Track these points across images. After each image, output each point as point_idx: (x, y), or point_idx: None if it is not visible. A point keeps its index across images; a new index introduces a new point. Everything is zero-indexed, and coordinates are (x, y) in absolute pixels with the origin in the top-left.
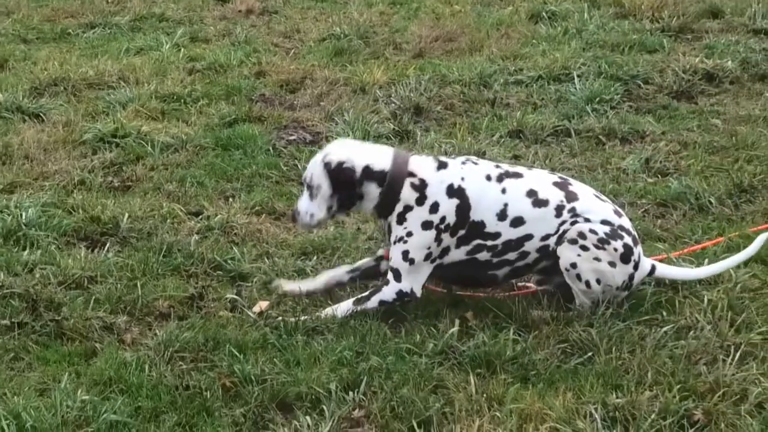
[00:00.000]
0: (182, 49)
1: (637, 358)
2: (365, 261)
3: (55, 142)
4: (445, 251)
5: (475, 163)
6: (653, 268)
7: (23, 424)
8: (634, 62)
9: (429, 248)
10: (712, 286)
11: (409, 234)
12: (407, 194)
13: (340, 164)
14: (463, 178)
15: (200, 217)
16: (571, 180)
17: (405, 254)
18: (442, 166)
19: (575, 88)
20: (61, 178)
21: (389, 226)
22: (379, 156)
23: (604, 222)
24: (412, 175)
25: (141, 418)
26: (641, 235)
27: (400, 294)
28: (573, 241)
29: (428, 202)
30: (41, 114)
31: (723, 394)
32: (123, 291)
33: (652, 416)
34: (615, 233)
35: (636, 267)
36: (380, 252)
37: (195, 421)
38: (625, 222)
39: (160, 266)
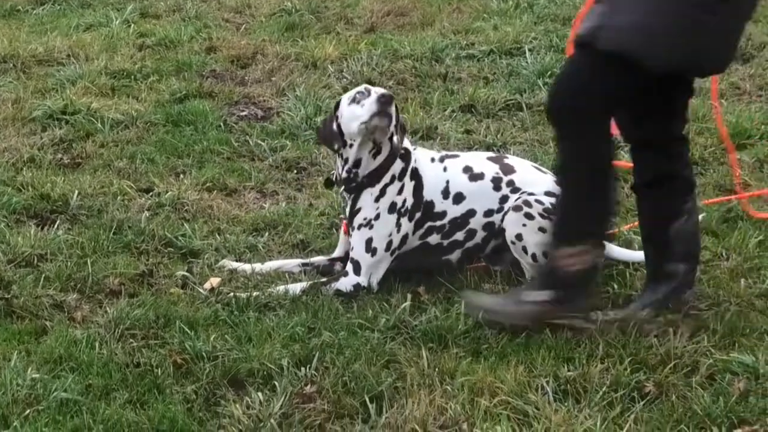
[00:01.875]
0: (132, 25)
1: (588, 331)
2: (320, 259)
3: (4, 119)
4: (404, 239)
5: (422, 148)
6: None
7: None
8: None
9: (390, 236)
10: None
11: (377, 217)
12: (396, 165)
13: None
14: (416, 160)
15: (151, 193)
16: (508, 155)
17: (368, 243)
18: (407, 151)
19: (527, 62)
20: (10, 156)
21: (355, 204)
22: None
23: (548, 194)
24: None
25: (92, 396)
26: None
27: (357, 287)
28: (517, 208)
29: (401, 181)
30: None
31: (674, 366)
32: (73, 269)
33: (604, 388)
34: None
35: None
36: (335, 253)
37: (146, 398)
38: None
39: (111, 243)
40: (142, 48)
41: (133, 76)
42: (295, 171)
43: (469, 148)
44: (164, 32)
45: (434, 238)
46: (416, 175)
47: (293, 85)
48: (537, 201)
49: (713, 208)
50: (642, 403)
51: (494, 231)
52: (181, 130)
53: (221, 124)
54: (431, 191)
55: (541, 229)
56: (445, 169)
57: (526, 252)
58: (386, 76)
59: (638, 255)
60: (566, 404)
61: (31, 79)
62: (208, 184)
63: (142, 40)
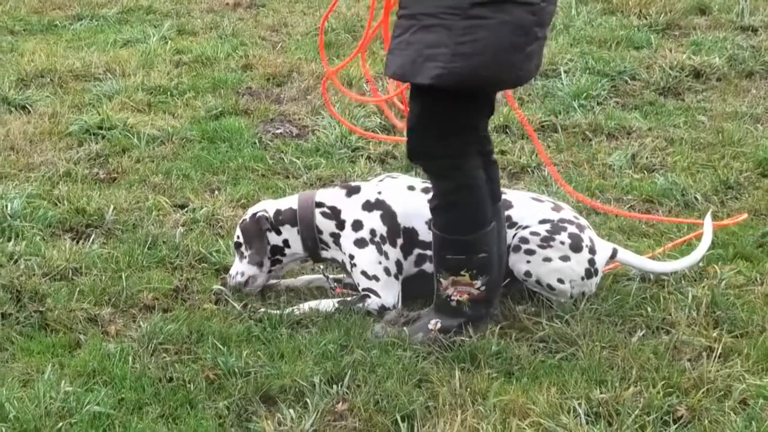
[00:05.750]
0: (169, 42)
1: (621, 354)
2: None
3: (41, 133)
4: (399, 265)
5: (394, 178)
6: (615, 251)
7: (6, 414)
8: (621, 58)
9: (380, 262)
10: (697, 282)
11: (351, 256)
12: (323, 223)
13: (252, 216)
14: (380, 192)
15: (185, 209)
16: (506, 191)
17: (365, 274)
18: (353, 191)
19: (562, 83)
20: (46, 170)
21: (337, 261)
22: (287, 200)
23: (542, 221)
24: (320, 205)
25: (124, 410)
26: (627, 231)
27: (383, 308)
28: (516, 248)
29: (348, 224)
30: (27, 105)
31: (707, 391)
32: (107, 283)
33: (636, 412)
34: (556, 228)
35: (592, 251)
36: None
37: (178, 413)
38: (566, 214)
39: (145, 258)
40: (179, 65)
41: (169, 93)
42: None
43: (503, 169)
44: (201, 49)
45: (429, 267)
46: (380, 205)
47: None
48: (532, 233)
49: (748, 233)
50: (674, 427)
51: None
52: (216, 147)
53: (256, 141)
54: (409, 218)
55: (546, 259)
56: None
57: (541, 284)
58: None
59: (655, 264)
60: (598, 427)
61: (68, 94)
62: (242, 201)
63: (179, 57)
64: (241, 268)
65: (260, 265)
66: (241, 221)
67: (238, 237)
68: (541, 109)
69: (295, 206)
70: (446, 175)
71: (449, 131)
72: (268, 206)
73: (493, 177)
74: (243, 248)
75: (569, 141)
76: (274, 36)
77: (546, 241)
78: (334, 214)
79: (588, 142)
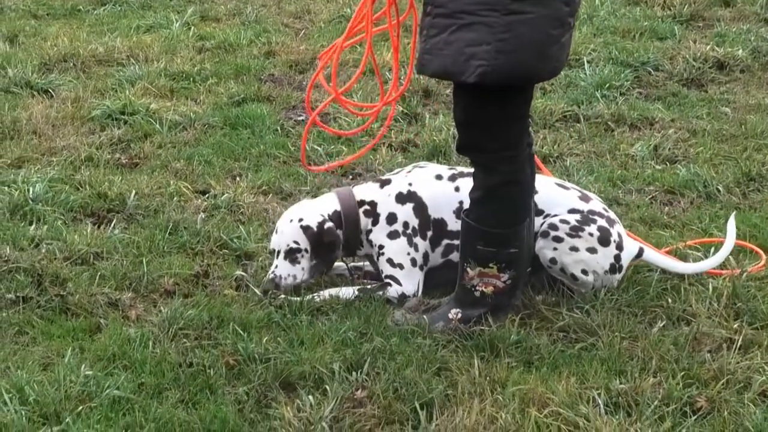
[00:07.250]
0: (192, 28)
1: (641, 345)
2: (369, 264)
3: (64, 118)
4: (426, 257)
5: (423, 167)
6: (641, 250)
7: (26, 397)
8: (644, 49)
9: (409, 253)
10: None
11: (381, 246)
12: (364, 221)
13: (320, 226)
14: (410, 183)
15: (207, 195)
16: None
17: (390, 261)
18: (385, 183)
19: (585, 73)
20: (68, 154)
21: (368, 256)
22: (329, 202)
23: (572, 211)
24: (362, 203)
25: (144, 395)
26: (648, 222)
27: (403, 296)
28: (545, 234)
29: (383, 218)
30: (50, 90)
31: (726, 382)
32: (128, 268)
33: (655, 402)
34: (586, 219)
35: (619, 247)
36: None
37: (198, 398)
38: (595, 205)
39: (166, 244)
40: (202, 51)
41: (192, 79)
42: (351, 177)
43: None
44: (224, 35)
45: (456, 256)
46: (412, 197)
47: (351, 91)
48: (562, 221)
49: None
50: (694, 418)
51: None
52: (238, 133)
53: (278, 128)
54: (438, 209)
55: (573, 248)
56: (457, 189)
57: (565, 273)
58: (444, 85)
59: (680, 264)
60: (617, 417)
61: (91, 79)
62: (263, 188)
63: (202, 43)
64: (293, 271)
65: (321, 273)
66: (300, 227)
67: (296, 243)
68: (564, 99)
69: (337, 207)
70: (495, 168)
71: (499, 123)
72: (314, 210)
73: (531, 170)
74: (300, 254)
75: (591, 131)
76: (297, 23)
77: (575, 231)
78: (372, 209)
79: (610, 133)
